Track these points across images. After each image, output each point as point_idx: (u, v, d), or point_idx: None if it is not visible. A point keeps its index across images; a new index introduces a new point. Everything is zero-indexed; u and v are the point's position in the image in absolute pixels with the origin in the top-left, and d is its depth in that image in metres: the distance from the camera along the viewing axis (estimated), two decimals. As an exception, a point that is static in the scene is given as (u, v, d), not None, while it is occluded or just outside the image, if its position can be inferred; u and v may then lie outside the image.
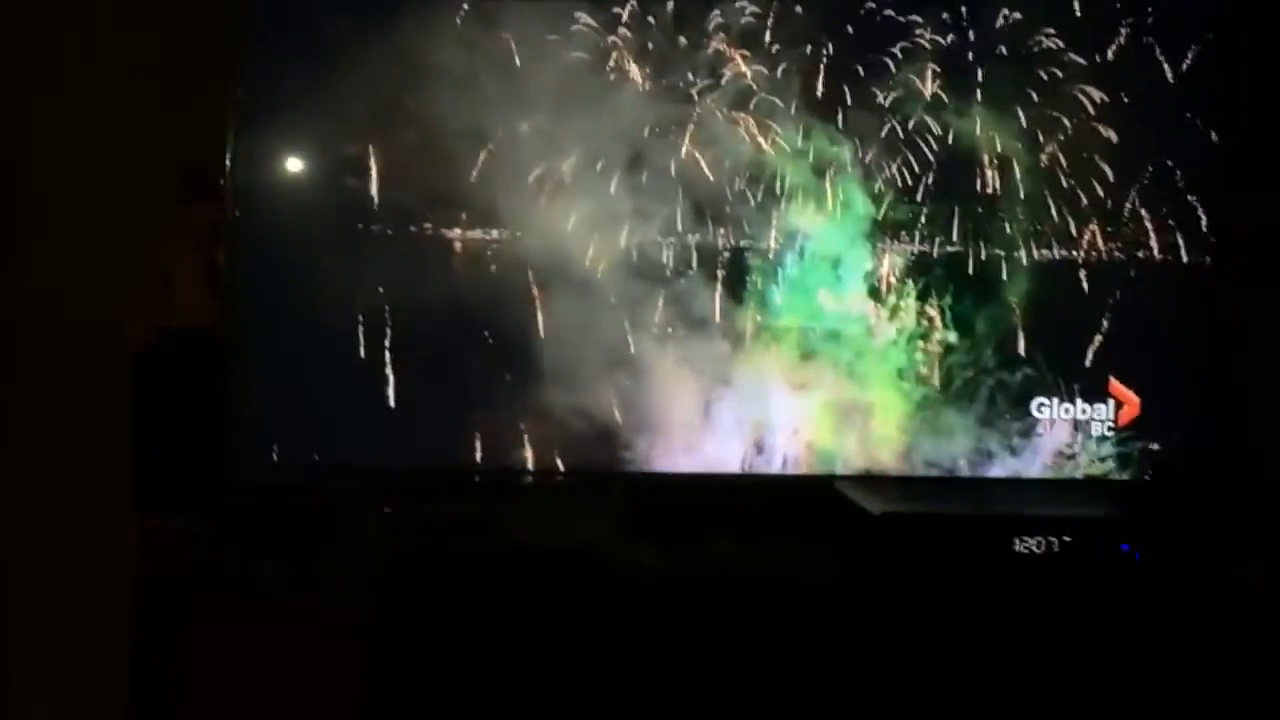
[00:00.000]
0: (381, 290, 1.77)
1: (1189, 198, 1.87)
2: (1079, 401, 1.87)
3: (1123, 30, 1.86)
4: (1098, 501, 1.85)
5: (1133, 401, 1.88)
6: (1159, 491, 1.87)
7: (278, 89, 1.75)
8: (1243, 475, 1.88)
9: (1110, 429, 1.88)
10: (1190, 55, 1.86)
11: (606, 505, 1.81)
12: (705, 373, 1.83)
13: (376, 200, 1.77)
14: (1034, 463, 1.88)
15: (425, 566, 1.75)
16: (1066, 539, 1.77)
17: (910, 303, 1.85)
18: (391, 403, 1.78)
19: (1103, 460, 1.88)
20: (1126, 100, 1.86)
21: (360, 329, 1.77)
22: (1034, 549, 1.77)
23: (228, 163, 1.74)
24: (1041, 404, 1.87)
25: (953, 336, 1.86)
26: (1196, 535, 1.83)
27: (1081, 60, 1.85)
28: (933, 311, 1.86)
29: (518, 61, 1.78)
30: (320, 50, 1.75)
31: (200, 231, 1.78)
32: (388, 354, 1.77)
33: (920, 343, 1.86)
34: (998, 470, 1.87)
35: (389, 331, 1.77)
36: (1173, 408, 1.89)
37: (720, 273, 1.83)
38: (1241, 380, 1.91)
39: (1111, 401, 1.88)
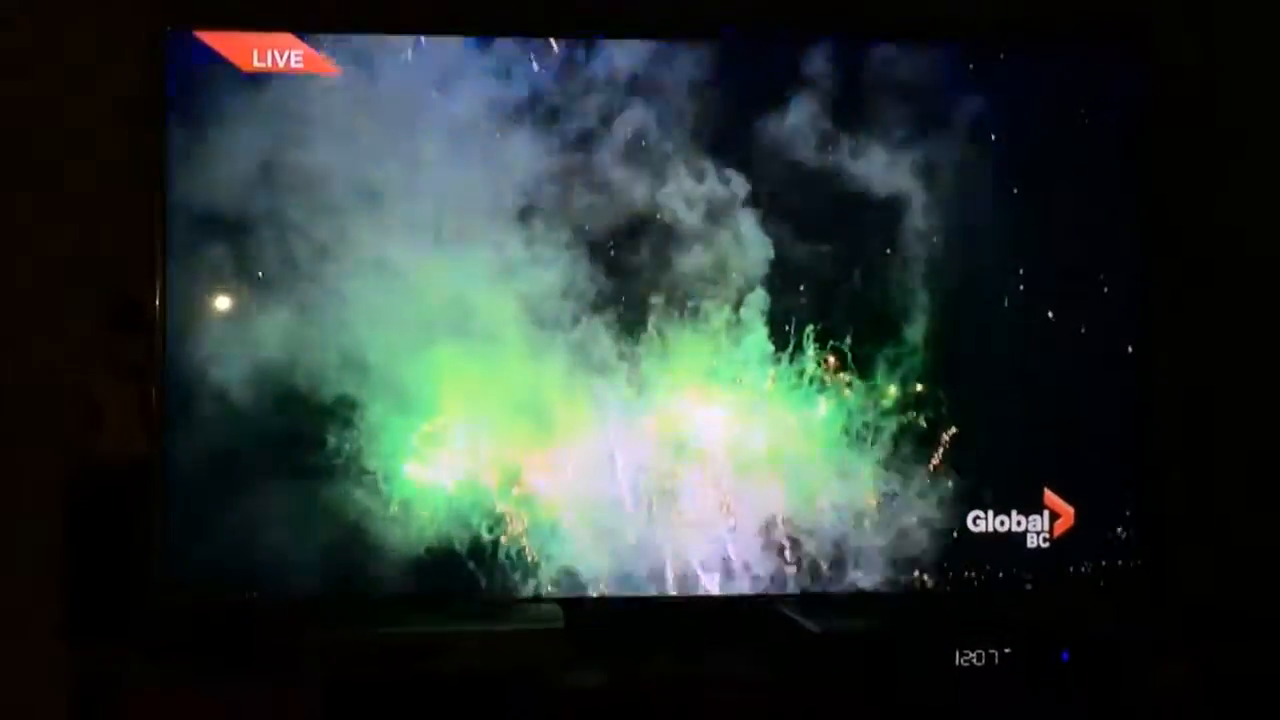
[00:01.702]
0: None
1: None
2: (1013, 513, 1.89)
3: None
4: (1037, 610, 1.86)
5: (1067, 512, 1.90)
6: (1096, 600, 1.89)
7: (207, 223, 1.77)
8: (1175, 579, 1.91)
9: (1046, 540, 1.90)
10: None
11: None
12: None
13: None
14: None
15: (359, 693, 1.73)
16: (1007, 650, 1.79)
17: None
18: (320, 527, 1.78)
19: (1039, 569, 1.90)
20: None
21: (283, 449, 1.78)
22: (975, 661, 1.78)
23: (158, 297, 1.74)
24: (976, 516, 1.89)
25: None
26: (1131, 640, 1.85)
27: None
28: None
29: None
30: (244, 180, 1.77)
31: (132, 365, 1.78)
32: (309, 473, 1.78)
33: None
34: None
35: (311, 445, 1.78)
36: (1109, 516, 1.91)
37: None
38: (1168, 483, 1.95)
39: (1046, 513, 1.90)
